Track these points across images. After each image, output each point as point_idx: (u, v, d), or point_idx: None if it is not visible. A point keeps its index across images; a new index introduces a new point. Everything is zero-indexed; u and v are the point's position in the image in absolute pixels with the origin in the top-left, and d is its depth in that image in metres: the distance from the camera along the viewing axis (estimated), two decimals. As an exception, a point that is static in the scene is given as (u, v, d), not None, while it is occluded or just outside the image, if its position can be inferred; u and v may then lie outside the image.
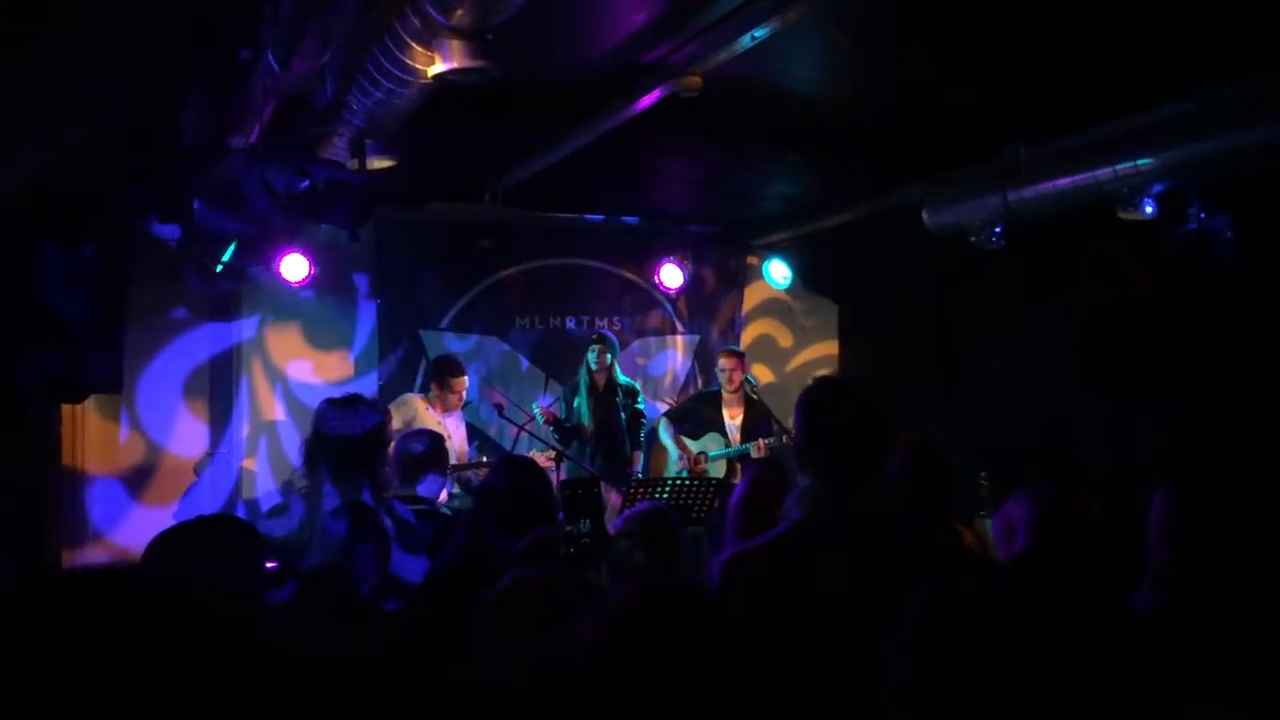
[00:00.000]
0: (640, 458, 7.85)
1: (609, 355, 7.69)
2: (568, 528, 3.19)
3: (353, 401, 3.86)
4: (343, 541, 3.27)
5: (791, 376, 9.46)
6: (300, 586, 2.86)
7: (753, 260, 9.31)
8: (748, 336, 9.44)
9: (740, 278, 9.37)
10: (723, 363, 7.76)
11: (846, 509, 2.31)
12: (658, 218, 8.73)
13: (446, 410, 7.13)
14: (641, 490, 6.19)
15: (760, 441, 7.34)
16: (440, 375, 7.16)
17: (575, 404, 7.73)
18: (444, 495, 5.36)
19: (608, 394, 7.72)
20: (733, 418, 7.76)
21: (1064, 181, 5.94)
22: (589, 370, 7.71)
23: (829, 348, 9.64)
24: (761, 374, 9.22)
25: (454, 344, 8.22)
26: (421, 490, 4.44)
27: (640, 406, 7.88)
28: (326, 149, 4.75)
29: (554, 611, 2.21)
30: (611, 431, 7.69)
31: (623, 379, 7.85)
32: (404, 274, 8.18)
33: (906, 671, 1.56)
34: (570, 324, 8.73)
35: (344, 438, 3.72)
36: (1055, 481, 2.96)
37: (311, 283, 7.39)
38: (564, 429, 7.58)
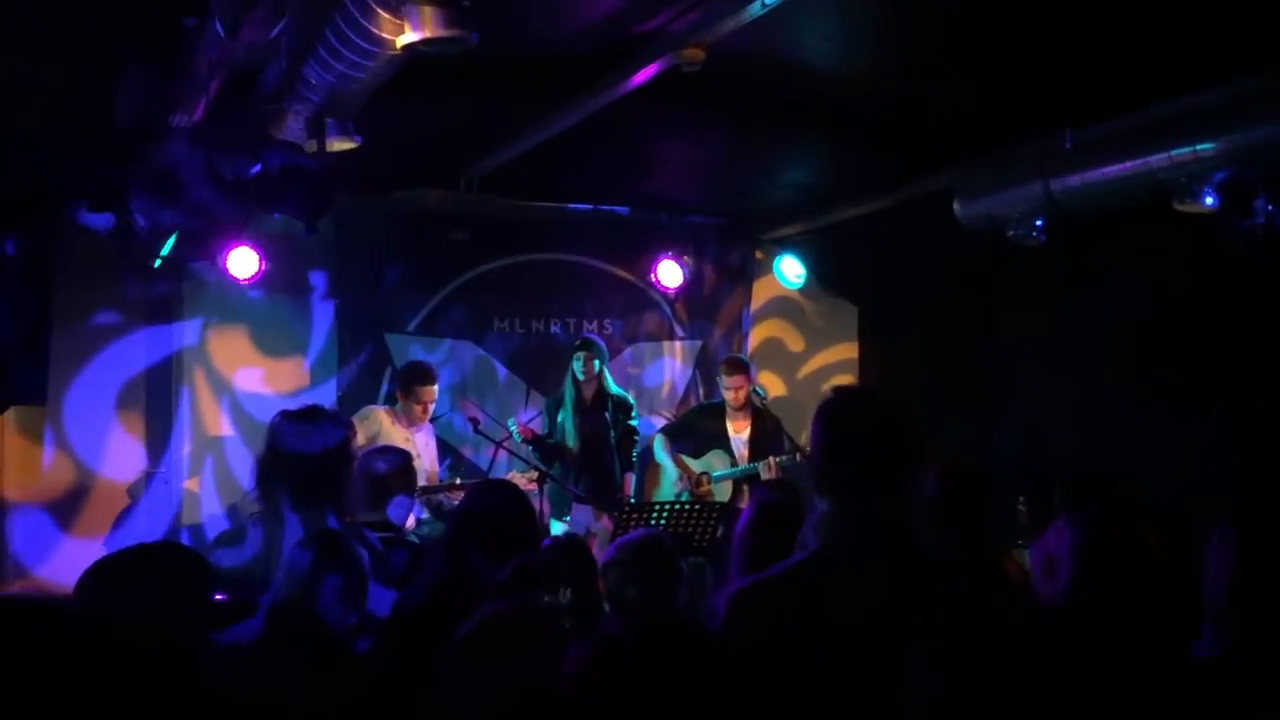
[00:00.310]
0: (632, 480, 7.81)
1: (596, 362, 7.64)
2: (546, 598, 3.20)
3: (313, 414, 3.86)
4: (306, 574, 3.29)
5: (804, 385, 9.48)
6: (266, 623, 2.85)
7: (761, 256, 9.32)
8: (755, 339, 9.46)
9: (747, 275, 9.37)
10: (726, 381, 7.71)
11: (870, 538, 2.30)
12: (655, 208, 8.72)
13: (413, 424, 7.13)
14: (636, 516, 6.18)
15: (770, 460, 7.33)
16: (407, 384, 7.15)
17: (559, 419, 7.69)
18: (411, 520, 5.38)
19: (596, 408, 7.68)
20: (739, 432, 7.73)
21: (1113, 169, 5.92)
22: (574, 380, 7.67)
23: (847, 352, 9.65)
24: (770, 383, 9.21)
25: (423, 350, 8.21)
26: (389, 514, 4.46)
27: (634, 423, 7.83)
28: (281, 129, 4.75)
29: (536, 647, 2.22)
30: (600, 450, 7.65)
31: (614, 390, 7.80)
32: (367, 271, 8.17)
33: (933, 685, 1.57)
34: (555, 328, 8.72)
35: (305, 456, 3.72)
36: (1103, 508, 2.95)
37: (262, 280, 7.36)
38: (545, 447, 7.53)
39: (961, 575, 2.36)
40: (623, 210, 8.69)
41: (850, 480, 2.33)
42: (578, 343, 7.77)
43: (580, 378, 7.64)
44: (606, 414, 7.70)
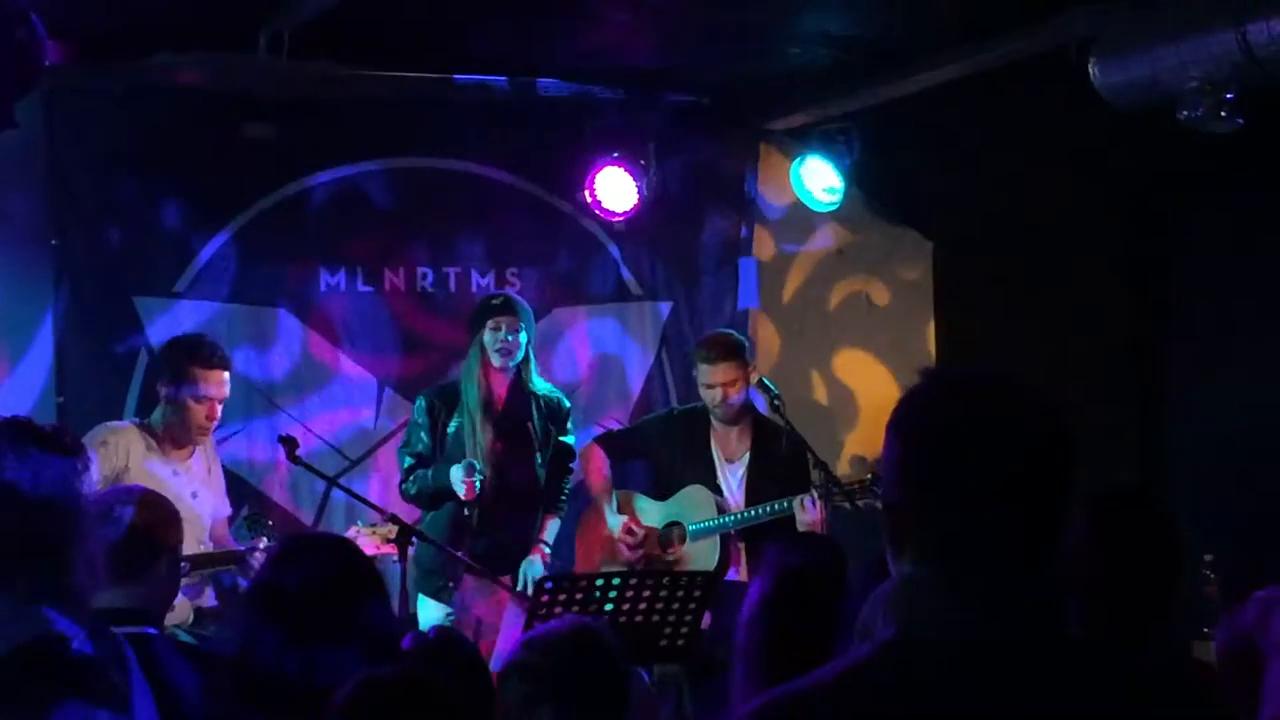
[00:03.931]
0: (554, 528, 7.81)
1: (523, 335, 7.61)
2: None
3: (27, 434, 3.81)
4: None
5: (843, 372, 9.57)
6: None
7: (771, 157, 9.38)
8: (762, 298, 9.55)
9: (746, 190, 9.44)
10: (706, 372, 7.68)
11: (992, 623, 2.28)
12: (592, 79, 8.75)
13: (183, 444, 7.11)
14: (564, 595, 6.16)
15: (803, 500, 7.31)
16: (175, 370, 7.09)
17: (451, 428, 7.64)
18: (183, 610, 5.31)
19: (515, 413, 7.70)
20: (732, 458, 7.80)
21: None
22: (485, 366, 7.62)
23: (914, 315, 9.77)
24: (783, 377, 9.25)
25: (200, 324, 8.18)
26: (127, 598, 4.46)
27: (569, 439, 7.87)
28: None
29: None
30: (522, 485, 7.62)
31: (540, 385, 7.81)
32: (103, 192, 8.17)
33: None
34: (426, 282, 8.78)
35: (21, 503, 3.68)
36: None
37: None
38: (426, 483, 7.49)
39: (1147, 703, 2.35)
40: (544, 85, 8.71)
41: (959, 529, 2.30)
42: (495, 300, 7.73)
43: (496, 362, 7.59)
44: (532, 423, 7.69)
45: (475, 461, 7.34)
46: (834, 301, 9.73)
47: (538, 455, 7.68)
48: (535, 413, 7.71)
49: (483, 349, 7.57)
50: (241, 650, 3.61)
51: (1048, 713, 2.24)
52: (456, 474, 7.34)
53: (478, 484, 7.30)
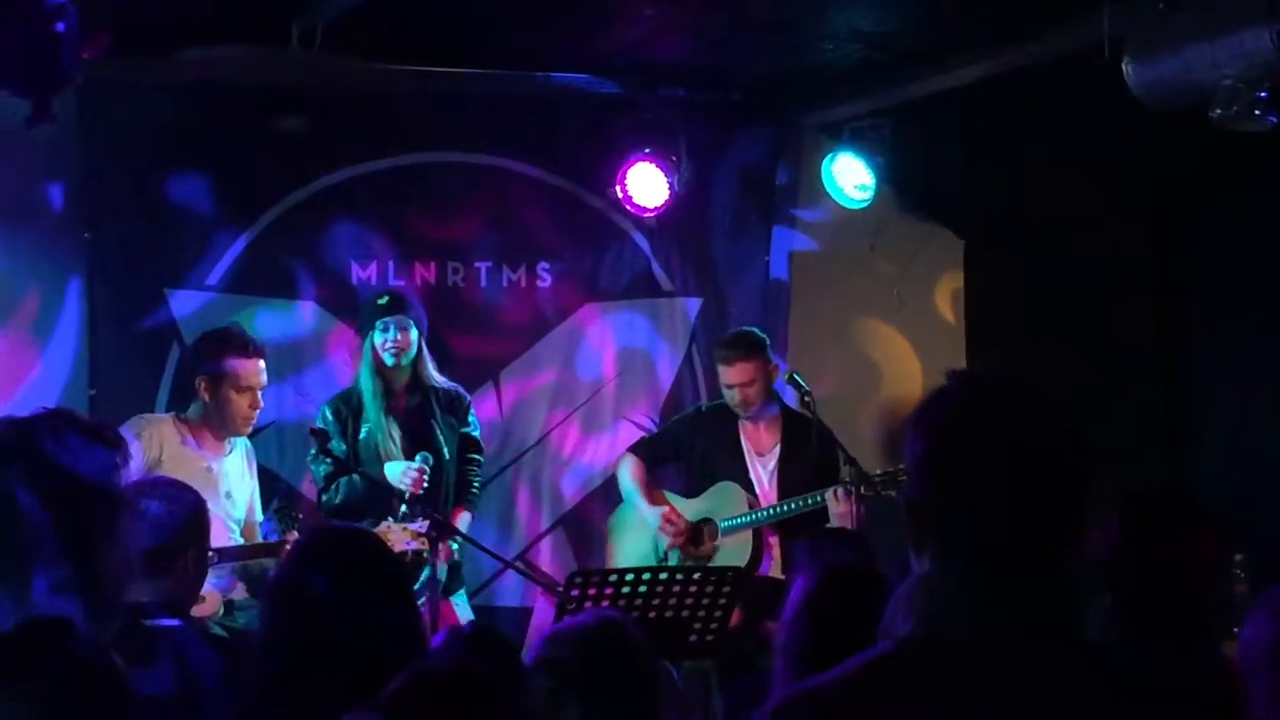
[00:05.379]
0: (464, 520, 7.73)
1: (412, 331, 7.62)
2: None
3: (69, 425, 3.85)
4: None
5: (866, 371, 9.58)
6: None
7: (802, 154, 9.37)
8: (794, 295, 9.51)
9: (777, 186, 9.45)
10: (725, 372, 7.73)
11: (1002, 621, 2.28)
12: (622, 75, 8.75)
13: (220, 437, 7.11)
14: (591, 591, 6.17)
15: (836, 491, 7.32)
16: (213, 361, 7.08)
17: (364, 433, 7.62)
18: (213, 598, 5.32)
19: (418, 409, 7.70)
20: (762, 452, 7.82)
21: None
22: (377, 365, 7.61)
23: (942, 313, 9.79)
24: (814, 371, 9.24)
25: (232, 316, 8.13)
26: (154, 591, 4.50)
27: (472, 431, 7.86)
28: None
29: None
30: (435, 480, 7.51)
31: (438, 379, 7.81)
32: (135, 184, 8.17)
33: None
34: (454, 277, 8.76)
35: (59, 492, 3.72)
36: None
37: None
38: (355, 489, 7.43)
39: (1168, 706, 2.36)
40: (569, 80, 8.73)
41: (975, 527, 2.31)
42: (380, 300, 7.70)
43: (389, 361, 7.59)
44: (434, 420, 7.70)
45: (428, 455, 7.35)
46: (864, 296, 9.73)
47: (444, 447, 7.66)
48: (436, 405, 7.73)
49: (373, 349, 7.59)
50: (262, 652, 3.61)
51: (1058, 711, 2.23)
52: (399, 469, 7.35)
53: (427, 476, 7.29)
